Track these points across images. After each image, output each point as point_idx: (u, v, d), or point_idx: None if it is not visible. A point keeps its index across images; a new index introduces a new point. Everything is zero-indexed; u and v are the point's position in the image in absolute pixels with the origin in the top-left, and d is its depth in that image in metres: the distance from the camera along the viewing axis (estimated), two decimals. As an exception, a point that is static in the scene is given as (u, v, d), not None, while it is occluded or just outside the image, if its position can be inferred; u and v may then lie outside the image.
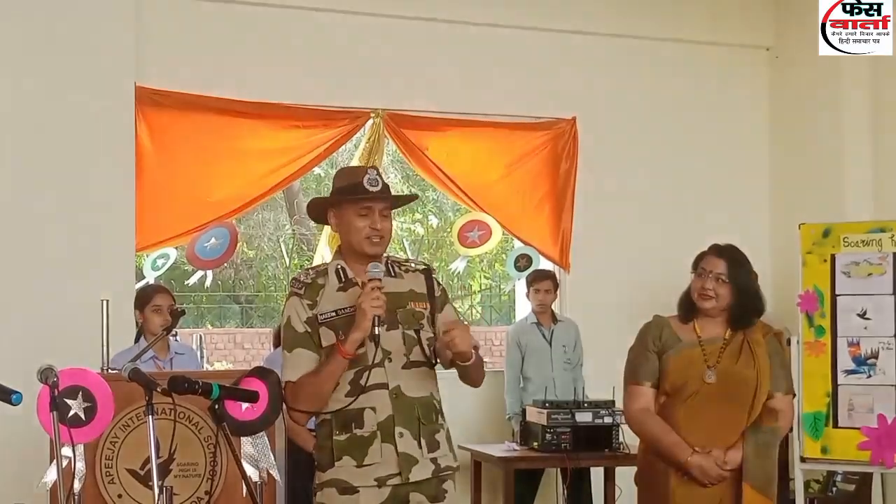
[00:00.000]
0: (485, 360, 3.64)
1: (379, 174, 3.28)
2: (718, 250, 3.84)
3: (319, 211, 3.35)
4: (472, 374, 3.28)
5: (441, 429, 3.27)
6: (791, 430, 4.86)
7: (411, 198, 3.77)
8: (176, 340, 5.39)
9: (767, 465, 3.72)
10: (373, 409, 3.15)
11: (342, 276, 3.27)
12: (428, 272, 3.37)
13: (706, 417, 3.72)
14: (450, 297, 3.46)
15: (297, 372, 3.19)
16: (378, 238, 3.23)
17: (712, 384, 3.73)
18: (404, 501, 3.16)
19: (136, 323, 5.18)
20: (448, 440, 3.29)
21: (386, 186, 3.28)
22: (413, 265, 3.40)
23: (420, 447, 3.17)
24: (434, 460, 3.20)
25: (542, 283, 6.48)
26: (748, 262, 3.84)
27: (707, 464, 3.68)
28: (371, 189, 3.22)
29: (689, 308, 3.85)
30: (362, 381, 3.15)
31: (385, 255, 3.34)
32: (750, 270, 3.83)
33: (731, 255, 3.81)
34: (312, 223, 15.72)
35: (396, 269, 3.33)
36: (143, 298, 5.10)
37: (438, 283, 3.37)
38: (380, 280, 3.12)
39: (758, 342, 3.79)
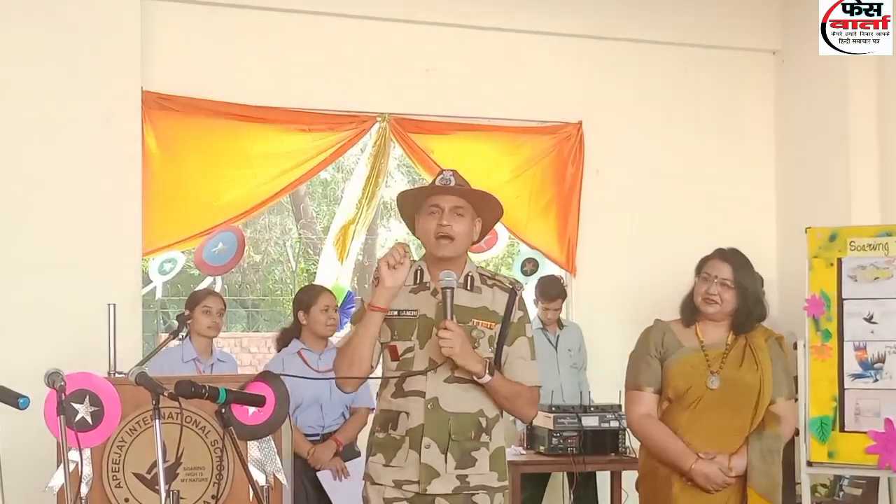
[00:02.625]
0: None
1: (455, 175, 3.20)
2: (723, 255, 3.82)
3: (409, 221, 3.33)
4: (498, 400, 3.21)
5: (483, 447, 3.20)
6: (797, 434, 4.84)
7: (489, 196, 3.27)
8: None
9: (772, 470, 3.70)
10: (407, 414, 3.18)
11: (418, 277, 3.26)
12: (513, 293, 3.25)
13: (709, 423, 3.71)
14: (529, 329, 3.29)
15: (344, 340, 3.29)
16: (446, 239, 3.15)
17: (715, 390, 3.71)
18: None
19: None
20: (493, 459, 3.22)
21: (460, 185, 3.19)
22: (500, 281, 3.28)
23: (446, 461, 3.15)
24: (462, 477, 3.16)
25: (555, 302, 6.43)
26: (752, 267, 3.82)
27: (711, 470, 3.66)
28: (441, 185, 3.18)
29: (691, 312, 3.83)
30: (404, 385, 3.19)
31: (475, 265, 3.30)
32: (754, 276, 3.81)
33: (736, 260, 3.79)
34: (319, 227, 15.79)
35: (477, 282, 3.25)
36: (195, 300, 5.35)
37: (521, 308, 3.25)
38: (452, 289, 3.08)
39: (760, 347, 3.77)
